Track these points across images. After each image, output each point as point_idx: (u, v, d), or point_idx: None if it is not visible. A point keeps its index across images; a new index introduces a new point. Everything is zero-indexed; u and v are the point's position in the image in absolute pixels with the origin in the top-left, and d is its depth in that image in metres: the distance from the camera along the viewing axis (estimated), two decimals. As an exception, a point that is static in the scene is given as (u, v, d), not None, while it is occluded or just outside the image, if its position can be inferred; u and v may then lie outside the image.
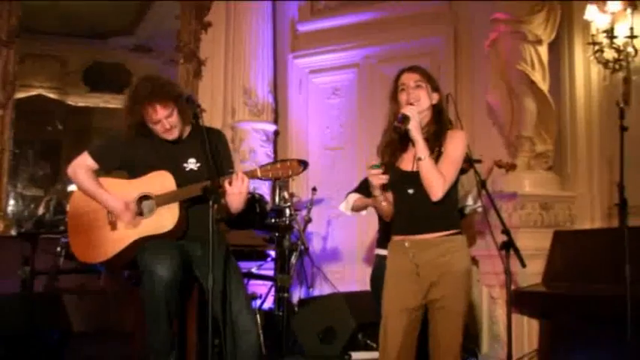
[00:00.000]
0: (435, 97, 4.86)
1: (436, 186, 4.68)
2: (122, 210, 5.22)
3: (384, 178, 4.74)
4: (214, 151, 5.18)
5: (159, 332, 5.10)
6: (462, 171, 5.90)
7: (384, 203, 4.88)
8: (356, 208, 6.67)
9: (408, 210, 4.83)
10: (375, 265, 6.43)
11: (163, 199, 5.18)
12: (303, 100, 10.33)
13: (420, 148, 4.68)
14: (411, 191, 4.78)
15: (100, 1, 11.17)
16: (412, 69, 4.91)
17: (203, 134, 5.04)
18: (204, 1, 10.51)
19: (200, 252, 5.20)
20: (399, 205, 4.88)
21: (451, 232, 4.80)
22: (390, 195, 4.90)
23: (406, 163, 4.84)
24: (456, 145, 4.81)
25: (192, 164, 5.32)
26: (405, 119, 4.66)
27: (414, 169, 4.76)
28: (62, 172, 10.86)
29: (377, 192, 4.83)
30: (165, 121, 5.15)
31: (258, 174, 5.07)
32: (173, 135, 5.24)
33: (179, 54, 10.47)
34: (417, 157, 4.71)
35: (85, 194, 5.38)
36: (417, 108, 4.75)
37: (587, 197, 7.72)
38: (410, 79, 4.84)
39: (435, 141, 4.78)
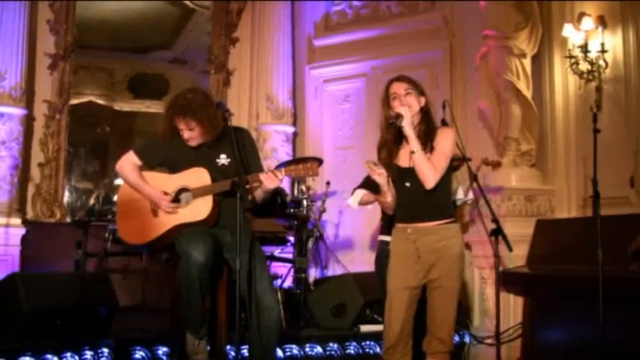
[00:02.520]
0: (422, 100, 4.91)
1: (429, 176, 4.73)
2: (160, 197, 5.25)
3: (382, 172, 4.78)
4: (242, 148, 5.23)
5: (193, 307, 5.13)
6: (455, 168, 5.94)
7: (389, 199, 4.91)
8: (363, 203, 6.67)
9: (407, 201, 4.87)
10: (378, 249, 6.45)
11: (199, 192, 5.22)
12: (318, 106, 10.33)
13: (413, 142, 4.73)
14: (408, 184, 4.82)
15: (142, 20, 11.21)
16: (400, 79, 4.95)
17: (232, 134, 5.08)
18: (233, 19, 10.51)
19: (229, 238, 5.22)
20: (399, 197, 4.91)
21: (447, 220, 4.85)
22: (393, 189, 4.92)
23: (403, 160, 4.88)
24: (445, 140, 4.86)
25: (223, 159, 5.35)
26: (399, 117, 4.71)
27: (410, 166, 4.79)
28: (109, 168, 10.90)
29: (385, 187, 4.86)
30: (184, 132, 5.21)
31: (283, 173, 5.14)
32: (191, 144, 5.30)
33: (210, 66, 10.45)
34: (410, 151, 4.74)
35: (130, 187, 5.42)
36: (410, 112, 4.79)
37: (565, 190, 7.70)
38: (400, 87, 4.88)
39: (427, 138, 4.83)
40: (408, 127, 4.74)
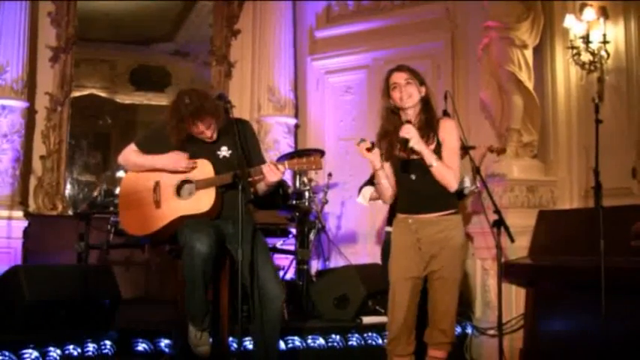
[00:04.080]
0: (423, 90, 4.89)
1: (450, 180, 4.77)
2: (176, 159, 5.27)
3: (374, 152, 4.78)
4: (243, 139, 5.24)
5: (195, 299, 5.14)
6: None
7: (384, 180, 4.89)
8: (373, 199, 6.68)
9: (409, 193, 4.87)
10: (384, 240, 6.45)
11: (202, 184, 5.22)
12: (319, 97, 10.31)
13: (428, 156, 4.72)
14: (413, 177, 4.81)
15: (143, 12, 11.22)
16: (400, 69, 4.92)
17: (234, 127, 5.10)
18: (234, 11, 10.50)
19: (232, 229, 5.23)
20: (401, 188, 4.91)
21: (449, 211, 4.85)
22: (388, 170, 4.91)
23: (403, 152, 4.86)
24: (452, 136, 4.85)
25: (224, 152, 5.36)
26: (406, 142, 4.69)
27: (411, 157, 4.78)
28: (111, 160, 10.94)
29: (377, 166, 4.85)
30: (207, 131, 5.21)
31: (286, 166, 5.14)
32: (213, 138, 5.29)
33: (212, 57, 10.44)
34: (428, 165, 4.72)
35: (141, 170, 5.41)
36: (411, 102, 4.78)
37: (567, 181, 7.70)
38: (400, 77, 4.86)
39: (428, 127, 4.82)
40: (419, 145, 4.71)
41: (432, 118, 4.88)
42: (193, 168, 5.28)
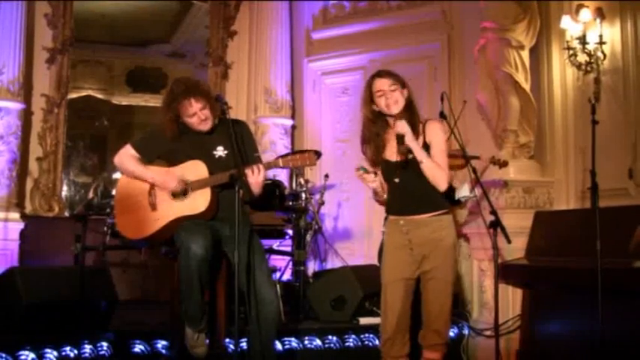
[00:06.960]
0: (405, 92, 4.88)
1: (441, 179, 4.79)
2: (165, 180, 5.26)
3: (374, 180, 4.78)
4: (239, 140, 5.22)
5: (192, 301, 5.13)
6: (459, 167, 5.92)
7: (385, 196, 4.91)
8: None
9: (398, 195, 4.87)
10: (382, 240, 6.44)
11: (197, 185, 5.21)
12: (316, 99, 10.32)
13: (419, 153, 4.74)
14: (396, 180, 4.82)
15: (140, 13, 11.22)
16: (382, 75, 4.91)
17: (230, 127, 5.08)
18: (231, 12, 10.50)
19: (228, 231, 5.21)
20: (390, 191, 4.92)
21: (439, 212, 4.86)
22: (379, 175, 4.92)
23: (390, 154, 4.87)
24: (439, 137, 4.88)
25: (220, 152, 5.35)
26: (401, 137, 4.68)
27: (398, 159, 4.78)
28: (108, 162, 10.93)
29: (378, 190, 4.87)
30: (200, 113, 5.18)
31: (280, 164, 5.13)
32: (207, 125, 5.27)
33: (209, 59, 10.47)
34: (419, 161, 4.73)
35: (131, 177, 5.40)
36: (397, 107, 4.77)
37: (563, 182, 7.69)
38: (384, 84, 4.85)
39: (412, 128, 4.80)
40: (412, 142, 4.73)
41: (416, 118, 4.88)
42: (183, 192, 5.27)
